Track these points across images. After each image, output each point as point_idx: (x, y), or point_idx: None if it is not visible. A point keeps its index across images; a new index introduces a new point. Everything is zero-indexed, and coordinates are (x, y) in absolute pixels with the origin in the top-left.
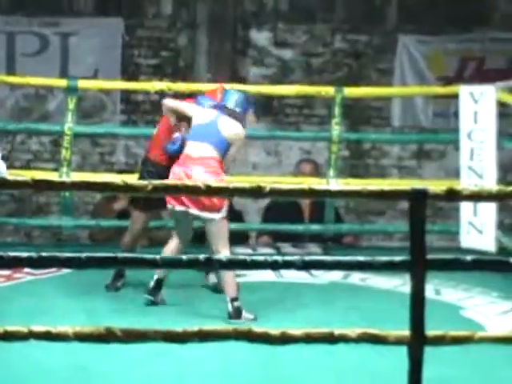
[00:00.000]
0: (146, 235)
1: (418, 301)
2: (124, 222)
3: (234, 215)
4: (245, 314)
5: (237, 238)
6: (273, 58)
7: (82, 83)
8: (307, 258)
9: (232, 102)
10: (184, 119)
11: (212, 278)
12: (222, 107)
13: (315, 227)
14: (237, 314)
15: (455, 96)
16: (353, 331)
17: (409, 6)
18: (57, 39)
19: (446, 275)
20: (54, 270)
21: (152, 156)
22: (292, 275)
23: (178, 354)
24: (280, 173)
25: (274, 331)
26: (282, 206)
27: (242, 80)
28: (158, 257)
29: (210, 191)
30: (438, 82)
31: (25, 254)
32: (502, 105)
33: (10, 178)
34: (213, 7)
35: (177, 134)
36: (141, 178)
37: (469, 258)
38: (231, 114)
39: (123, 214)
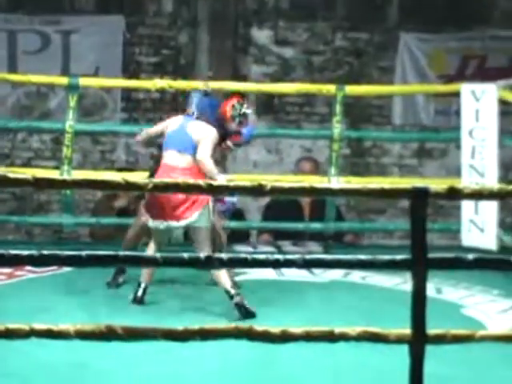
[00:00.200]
0: (148, 232)
1: (419, 299)
2: (124, 220)
3: (235, 213)
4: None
5: (237, 236)
6: (274, 56)
7: (83, 81)
8: (308, 256)
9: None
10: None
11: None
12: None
13: (316, 225)
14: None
15: (456, 94)
16: (353, 329)
17: (410, 4)
18: (58, 37)
19: (446, 274)
20: (54, 268)
21: None
22: (293, 273)
23: (178, 352)
24: (281, 171)
25: (275, 329)
26: (283, 205)
27: (243, 78)
28: (158, 255)
29: (212, 189)
30: (439, 80)
31: (26, 252)
32: (503, 103)
33: (12, 175)
34: (214, 5)
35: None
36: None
37: (470, 256)
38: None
39: (124, 212)
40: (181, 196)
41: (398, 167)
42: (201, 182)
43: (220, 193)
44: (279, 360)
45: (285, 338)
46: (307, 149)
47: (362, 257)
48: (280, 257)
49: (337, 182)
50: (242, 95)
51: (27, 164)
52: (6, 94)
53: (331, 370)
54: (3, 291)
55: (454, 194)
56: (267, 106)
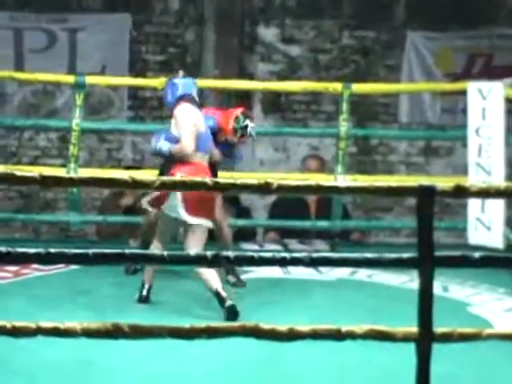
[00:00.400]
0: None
1: (425, 297)
2: (131, 218)
3: (242, 211)
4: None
5: (244, 235)
6: (280, 54)
7: (90, 79)
8: (314, 254)
9: (194, 91)
10: None
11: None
12: (186, 97)
13: (322, 223)
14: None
15: (463, 92)
16: (360, 328)
17: (417, 3)
18: (64, 35)
19: (453, 272)
20: (61, 266)
21: None
22: (299, 272)
23: (184, 350)
24: (288, 169)
25: (282, 328)
26: (289, 203)
27: (250, 76)
28: (165, 253)
29: (218, 187)
30: (446, 79)
31: (32, 250)
32: (510, 101)
33: (18, 174)
34: (220, 3)
35: None
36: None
37: (477, 254)
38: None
39: (130, 210)
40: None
41: (405, 165)
42: (207, 179)
43: (226, 190)
44: (286, 358)
45: (292, 336)
46: (314, 147)
47: (369, 255)
48: (286, 255)
49: (343, 180)
50: (247, 107)
51: (34, 162)
52: (12, 92)
53: (338, 368)
54: (10, 289)
55: (461, 192)
56: (274, 104)
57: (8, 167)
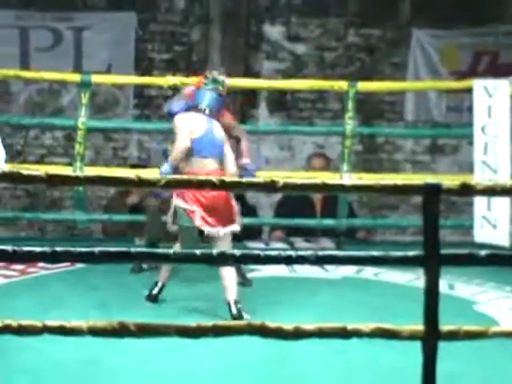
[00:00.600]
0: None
1: (431, 295)
2: (137, 217)
3: (248, 210)
4: (245, 316)
5: (250, 233)
6: (286, 53)
7: (96, 78)
8: (320, 252)
9: (205, 101)
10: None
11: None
12: (193, 107)
13: (328, 222)
14: (240, 315)
15: (469, 90)
16: (366, 326)
17: (422, 0)
18: (70, 34)
19: (459, 270)
20: (67, 264)
21: None
22: (305, 270)
23: (190, 349)
24: (293, 167)
25: (288, 326)
26: (295, 201)
27: (255, 75)
28: (171, 251)
29: (224, 186)
30: (452, 77)
31: (38, 249)
32: None
33: (25, 172)
34: (226, 1)
35: None
36: None
37: (483, 252)
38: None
39: (136, 209)
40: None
41: (411, 163)
42: (213, 178)
43: (232, 188)
44: (292, 356)
45: (298, 334)
46: (319, 145)
47: (375, 253)
48: (292, 253)
49: (349, 178)
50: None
51: (40, 161)
52: (18, 90)
53: (344, 366)
54: (16, 288)
55: (467, 191)
56: (279, 102)
57: (14, 166)
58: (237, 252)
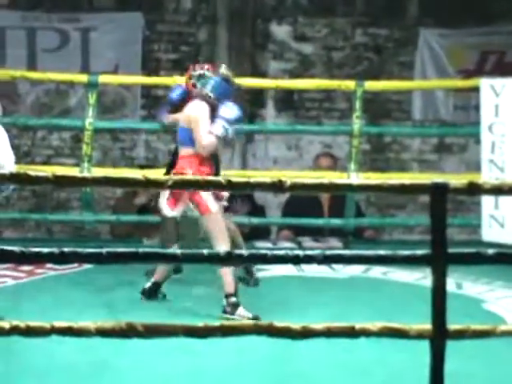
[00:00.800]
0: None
1: (439, 294)
2: (144, 217)
3: (256, 210)
4: (241, 311)
5: (258, 233)
6: (293, 52)
7: (103, 78)
8: (328, 252)
9: (208, 86)
10: None
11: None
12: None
13: (336, 221)
14: (232, 308)
15: (476, 89)
16: (374, 325)
17: (429, 0)
18: (77, 35)
19: (467, 269)
20: (75, 265)
21: None
22: (313, 269)
23: (197, 349)
24: (301, 167)
25: (295, 325)
26: (302, 201)
27: (262, 74)
28: (178, 251)
29: (232, 186)
30: (459, 76)
31: (46, 250)
32: None
33: (32, 173)
34: (233, 1)
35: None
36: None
37: (490, 251)
38: (204, 98)
39: (144, 209)
40: None
41: (418, 163)
42: (220, 178)
43: (240, 189)
44: (299, 356)
45: (305, 334)
46: (327, 145)
47: (382, 252)
48: (300, 253)
49: (356, 177)
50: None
51: (47, 162)
52: (25, 91)
53: (352, 365)
54: (24, 289)
55: (474, 189)
56: (287, 102)
57: (21, 167)
58: (244, 252)
